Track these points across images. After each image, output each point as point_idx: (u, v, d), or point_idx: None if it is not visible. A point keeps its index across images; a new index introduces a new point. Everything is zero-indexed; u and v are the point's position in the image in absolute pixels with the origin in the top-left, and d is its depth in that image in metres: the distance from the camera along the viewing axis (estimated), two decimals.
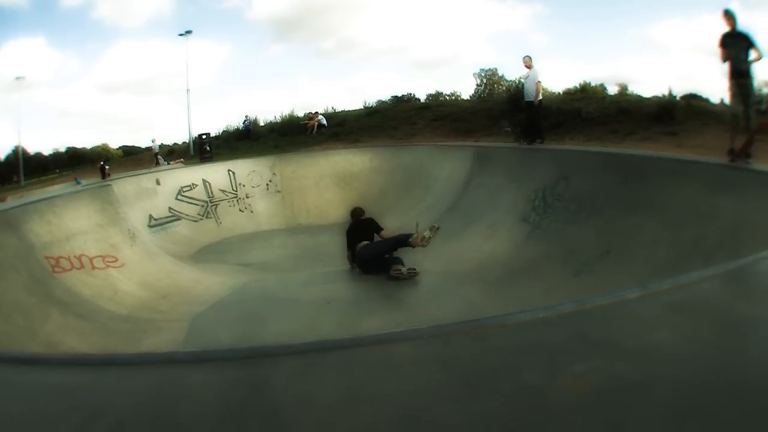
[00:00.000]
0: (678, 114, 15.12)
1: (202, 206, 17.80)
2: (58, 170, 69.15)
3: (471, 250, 10.80)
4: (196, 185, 18.19)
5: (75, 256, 9.02)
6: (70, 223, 9.62)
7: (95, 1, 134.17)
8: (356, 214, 11.48)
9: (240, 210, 18.47)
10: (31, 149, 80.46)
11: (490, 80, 58.23)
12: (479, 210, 12.43)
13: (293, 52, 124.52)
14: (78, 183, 33.94)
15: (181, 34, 42.20)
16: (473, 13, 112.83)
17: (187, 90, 43.81)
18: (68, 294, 8.01)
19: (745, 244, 5.72)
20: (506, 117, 20.24)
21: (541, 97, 14.62)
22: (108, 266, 9.43)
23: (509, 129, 16.77)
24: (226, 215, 18.00)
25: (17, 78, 60.23)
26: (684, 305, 2.35)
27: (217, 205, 18.13)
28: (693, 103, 15.83)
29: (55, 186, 36.13)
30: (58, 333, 6.88)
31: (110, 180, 17.51)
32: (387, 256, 10.07)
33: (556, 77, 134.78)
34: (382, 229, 10.88)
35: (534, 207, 10.55)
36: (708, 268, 3.11)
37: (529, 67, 15.00)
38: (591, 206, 9.01)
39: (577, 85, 50.48)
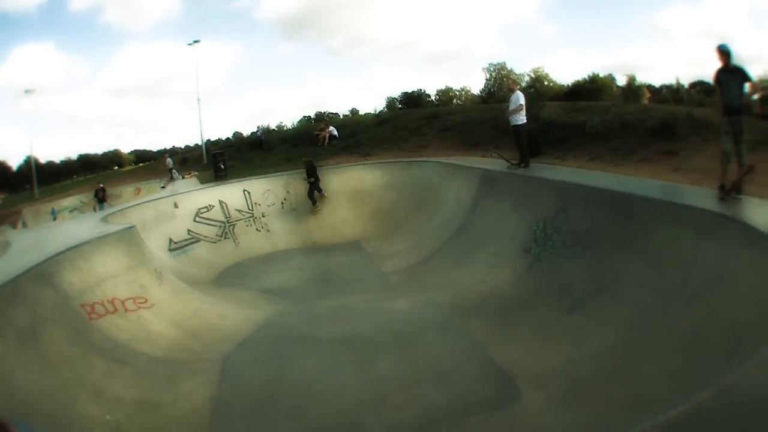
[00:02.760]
0: (679, 129, 15.09)
1: (220, 227, 18.46)
2: (75, 176, 69.77)
3: (477, 281, 11.18)
4: (213, 206, 18.88)
5: (108, 301, 9.55)
6: (99, 268, 10.15)
7: (103, 6, 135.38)
8: (309, 162, 20.75)
9: (257, 229, 19.11)
10: (43, 157, 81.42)
11: (499, 74, 58.67)
12: (485, 236, 12.81)
13: (303, 50, 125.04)
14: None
15: (189, 44, 42.90)
16: (482, 6, 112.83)
17: (198, 99, 44.54)
18: (106, 340, 8.54)
19: (722, 298, 6.02)
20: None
21: (525, 120, 14.62)
22: (139, 308, 9.97)
23: (496, 153, 17.09)
24: (244, 235, 18.65)
25: (26, 91, 60.84)
26: None
27: (234, 225, 18.80)
28: (695, 115, 15.78)
29: (69, 198, 36.74)
30: (104, 381, 7.38)
31: (131, 207, 18.04)
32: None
33: (565, 68, 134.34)
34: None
35: (535, 238, 10.85)
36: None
37: (512, 90, 15.13)
38: (586, 241, 9.30)
39: (586, 77, 50.96)
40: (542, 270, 10.13)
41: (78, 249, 10.22)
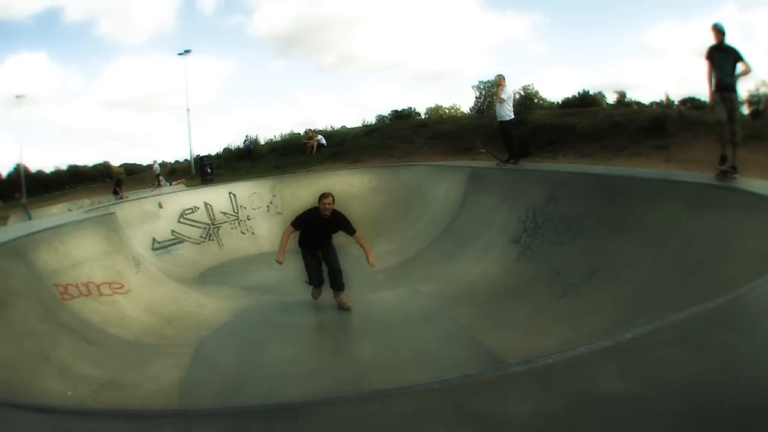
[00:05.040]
0: (670, 126, 15.39)
1: (204, 229, 18.09)
2: (67, 186, 69.24)
3: (464, 272, 11.06)
4: (198, 208, 18.51)
5: (82, 283, 9.24)
6: (76, 251, 9.87)
7: (96, 19, 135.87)
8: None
9: (242, 232, 18.77)
10: (33, 167, 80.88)
11: (489, 92, 58.23)
12: (473, 231, 12.69)
13: (294, 67, 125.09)
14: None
15: (180, 54, 43.03)
16: (473, 25, 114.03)
17: (188, 109, 44.39)
18: (77, 320, 8.22)
19: (725, 264, 5.91)
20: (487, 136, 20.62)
21: (513, 116, 14.69)
22: (114, 293, 9.68)
23: (484, 150, 17.41)
24: (228, 237, 18.32)
25: (17, 96, 60.53)
26: (554, 382, 2.52)
27: (219, 227, 18.45)
28: (685, 114, 16.16)
29: (57, 206, 36.02)
30: (70, 358, 7.07)
31: (114, 204, 17.77)
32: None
33: (555, 87, 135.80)
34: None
35: (525, 228, 10.76)
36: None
37: (501, 85, 14.95)
38: (578, 227, 9.20)
39: (576, 94, 50.92)
40: (532, 258, 10.01)
41: (55, 230, 9.97)
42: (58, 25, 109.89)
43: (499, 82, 15.13)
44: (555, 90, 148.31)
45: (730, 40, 8.79)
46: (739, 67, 8.65)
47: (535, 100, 54.56)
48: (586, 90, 52.32)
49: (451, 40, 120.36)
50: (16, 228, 12.54)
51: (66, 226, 10.38)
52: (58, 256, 9.39)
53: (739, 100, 9.00)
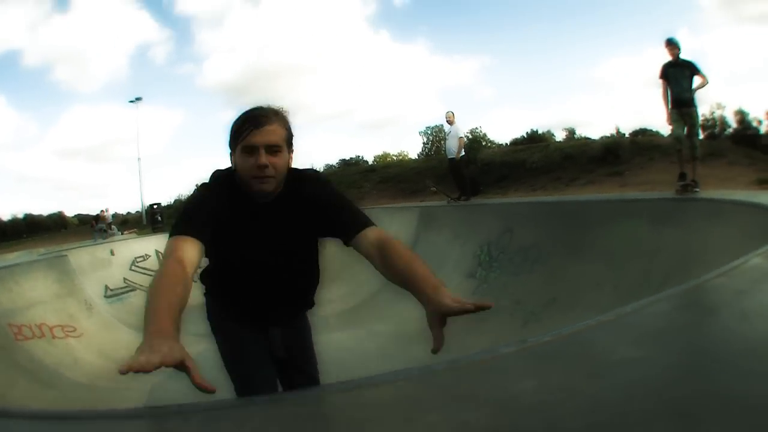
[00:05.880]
0: (623, 153, 15.64)
1: None
2: (25, 235, 67.69)
3: (421, 310, 10.90)
4: (149, 256, 18.37)
5: (36, 325, 9.21)
6: (29, 293, 9.86)
7: (53, 64, 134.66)
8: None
9: (194, 280, 18.55)
10: None
11: (436, 137, 57.92)
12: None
13: None
14: None
15: (131, 101, 42.86)
16: (419, 71, 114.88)
17: (138, 158, 43.95)
18: (31, 362, 8.24)
19: (692, 275, 5.60)
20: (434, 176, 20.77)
21: (463, 153, 14.88)
22: (67, 336, 9.66)
23: (434, 189, 17.48)
24: None
25: None
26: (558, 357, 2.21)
27: None
28: (638, 140, 16.36)
29: (14, 254, 35.25)
30: (25, 400, 7.08)
31: (56, 250, 17.63)
32: None
33: (504, 128, 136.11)
34: None
35: (480, 262, 10.82)
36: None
37: (451, 122, 15.20)
38: (535, 256, 9.23)
39: (524, 134, 51.04)
40: (489, 291, 10.00)
41: (9, 270, 10.01)
42: (16, 69, 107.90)
43: (449, 119, 15.43)
44: (503, 131, 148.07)
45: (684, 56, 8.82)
46: (697, 81, 8.63)
47: (483, 143, 54.52)
48: (535, 129, 52.42)
49: (398, 87, 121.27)
50: None
51: (20, 266, 10.39)
52: (13, 296, 9.38)
53: (698, 114, 8.88)
